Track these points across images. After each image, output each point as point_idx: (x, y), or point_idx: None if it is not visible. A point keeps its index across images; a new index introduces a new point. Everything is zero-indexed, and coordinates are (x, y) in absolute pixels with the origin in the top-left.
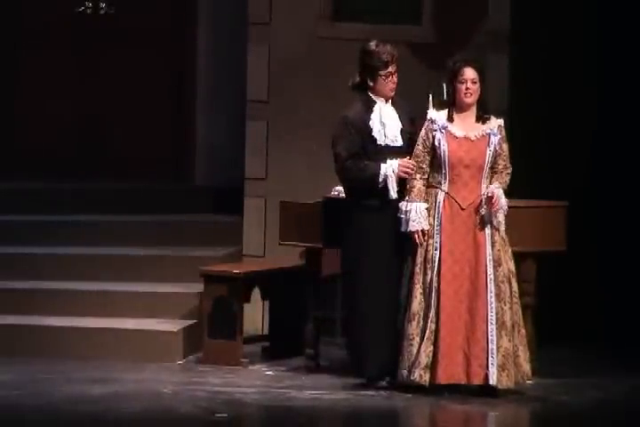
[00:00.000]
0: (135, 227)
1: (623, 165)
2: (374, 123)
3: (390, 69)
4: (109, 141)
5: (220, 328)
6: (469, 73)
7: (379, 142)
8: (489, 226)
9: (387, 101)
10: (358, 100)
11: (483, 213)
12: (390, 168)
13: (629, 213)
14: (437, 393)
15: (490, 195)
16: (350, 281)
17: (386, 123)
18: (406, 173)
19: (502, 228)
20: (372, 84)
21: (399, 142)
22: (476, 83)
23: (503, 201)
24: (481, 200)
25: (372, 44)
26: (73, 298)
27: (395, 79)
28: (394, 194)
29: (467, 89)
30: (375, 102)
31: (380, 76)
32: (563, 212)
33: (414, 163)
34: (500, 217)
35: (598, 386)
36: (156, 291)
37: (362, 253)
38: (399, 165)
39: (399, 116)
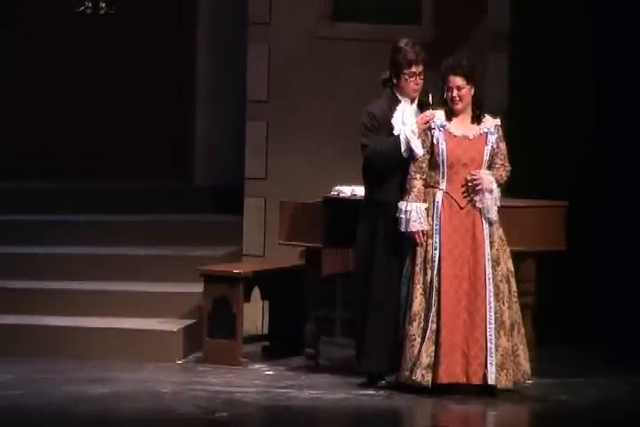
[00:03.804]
0: (135, 227)
1: (623, 165)
2: (396, 122)
3: (414, 69)
4: (109, 141)
5: (220, 328)
6: (454, 81)
7: (397, 133)
8: (487, 225)
9: (412, 102)
10: (384, 95)
11: (471, 195)
12: (408, 129)
13: (629, 213)
14: (438, 393)
15: (474, 174)
16: (362, 277)
17: (407, 123)
18: (427, 122)
19: (494, 216)
20: (395, 81)
21: None
22: (462, 88)
23: (491, 185)
24: (466, 181)
25: (402, 42)
26: (73, 298)
27: (418, 81)
28: (419, 152)
29: (452, 97)
30: (399, 101)
31: (404, 74)
32: (563, 212)
33: (430, 112)
34: (489, 203)
35: (598, 386)
36: (155, 291)
37: (376, 250)
38: (417, 120)
39: None
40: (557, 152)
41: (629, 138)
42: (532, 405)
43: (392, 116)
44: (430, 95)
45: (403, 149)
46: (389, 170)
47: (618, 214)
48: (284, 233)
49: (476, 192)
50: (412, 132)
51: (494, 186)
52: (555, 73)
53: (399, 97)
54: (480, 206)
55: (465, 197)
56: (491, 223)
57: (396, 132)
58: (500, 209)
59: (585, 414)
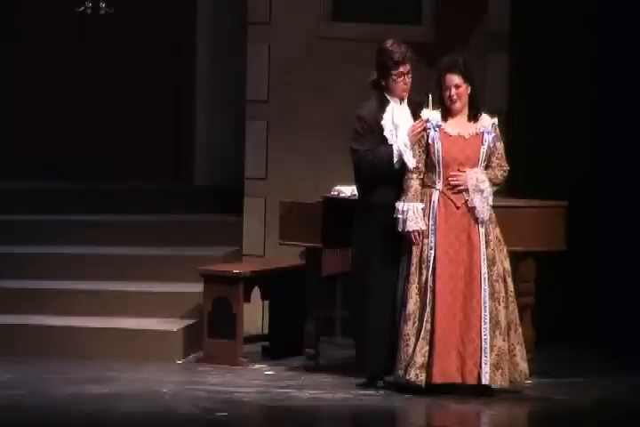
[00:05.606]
0: (135, 227)
1: (623, 165)
2: (386, 123)
3: (401, 69)
4: (109, 141)
5: (220, 328)
6: (451, 80)
7: (390, 143)
8: (483, 225)
9: (401, 102)
10: (374, 97)
11: (464, 195)
12: (401, 142)
13: (630, 213)
14: (436, 393)
15: (457, 174)
16: (360, 280)
17: (398, 124)
18: (419, 133)
19: (485, 216)
20: (384, 82)
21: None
22: (460, 87)
23: (481, 185)
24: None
25: (387, 43)
26: (73, 298)
27: (407, 80)
28: (411, 164)
29: (450, 96)
30: (389, 102)
31: (391, 75)
32: (563, 212)
33: (420, 122)
34: (478, 203)
35: (598, 385)
36: (155, 291)
37: (372, 253)
38: (408, 133)
39: (414, 117)
40: (557, 151)
41: (630, 137)
42: (530, 405)
43: (382, 118)
44: (430, 96)
45: (395, 160)
46: (381, 177)
47: (618, 214)
48: (284, 233)
49: (462, 192)
50: (405, 144)
51: (484, 185)
52: (555, 73)
53: (388, 98)
54: (471, 206)
55: (461, 197)
56: (484, 223)
57: (386, 134)
58: (500, 209)
59: (585, 414)
